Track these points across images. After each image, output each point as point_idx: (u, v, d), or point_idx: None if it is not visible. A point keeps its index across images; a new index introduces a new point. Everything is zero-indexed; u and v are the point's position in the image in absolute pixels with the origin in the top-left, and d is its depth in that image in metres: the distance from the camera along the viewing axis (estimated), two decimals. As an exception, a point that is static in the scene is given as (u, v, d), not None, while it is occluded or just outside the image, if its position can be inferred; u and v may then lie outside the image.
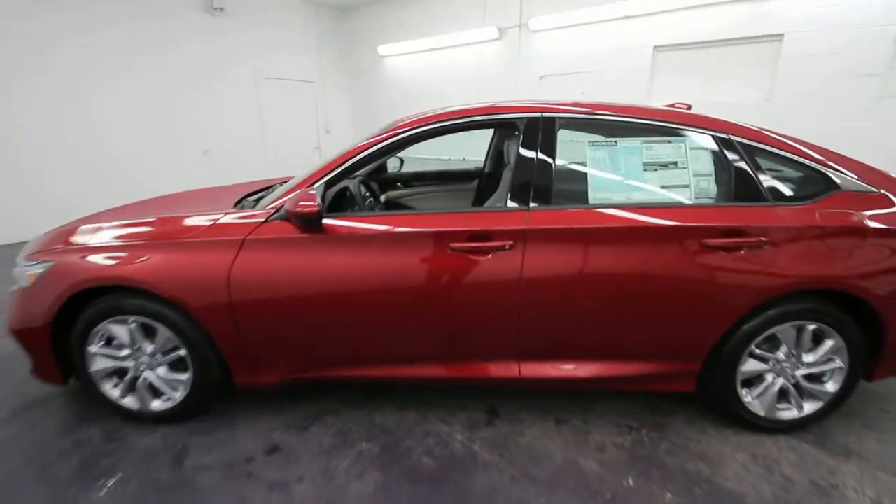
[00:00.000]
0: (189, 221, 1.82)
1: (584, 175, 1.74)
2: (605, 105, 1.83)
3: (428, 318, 1.77)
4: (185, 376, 1.88)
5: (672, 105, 2.18)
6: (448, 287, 1.71)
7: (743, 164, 1.73)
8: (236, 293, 1.70)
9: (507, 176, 2.11)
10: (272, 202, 1.78)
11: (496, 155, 3.25)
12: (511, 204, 1.72)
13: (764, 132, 1.81)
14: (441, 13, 6.53)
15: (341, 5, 7.50)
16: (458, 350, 1.84)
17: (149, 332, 1.84)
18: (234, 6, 6.28)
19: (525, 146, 1.75)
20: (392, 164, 3.42)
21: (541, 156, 1.73)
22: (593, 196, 1.72)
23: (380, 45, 7.28)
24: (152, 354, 1.86)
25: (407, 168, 3.48)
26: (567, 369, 1.82)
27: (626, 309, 1.72)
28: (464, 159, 6.33)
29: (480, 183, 3.29)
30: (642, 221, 1.65)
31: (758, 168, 1.74)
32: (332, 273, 1.71)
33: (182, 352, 1.83)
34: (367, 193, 2.47)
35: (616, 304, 1.72)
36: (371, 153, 1.80)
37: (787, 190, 1.78)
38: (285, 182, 2.06)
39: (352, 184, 2.17)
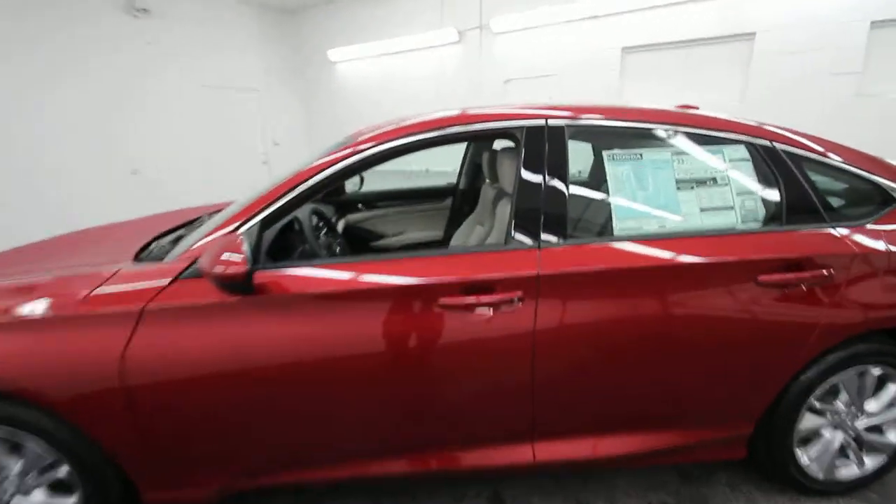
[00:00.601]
0: (62, 286, 1.28)
1: (606, 198, 1.35)
2: (621, 109, 1.45)
3: (412, 401, 1.33)
4: (71, 500, 1.33)
5: (685, 107, 1.85)
6: (437, 358, 1.27)
7: (793, 178, 1.40)
8: (135, 386, 1.19)
9: (502, 205, 1.70)
10: (185, 252, 1.27)
11: (472, 168, 2.84)
12: (516, 241, 1.30)
13: (810, 138, 1.49)
14: (395, 16, 6.10)
15: (285, 7, 6.92)
16: (453, 437, 1.39)
17: (14, 446, 1.29)
18: (161, 7, 5.58)
19: (529, 164, 1.34)
20: (351, 182, 2.94)
21: (550, 176, 1.33)
22: (619, 226, 1.33)
23: (329, 49, 6.75)
24: (22, 475, 1.30)
25: (368, 186, 3.01)
26: (595, 446, 1.42)
27: (669, 368, 1.35)
28: (427, 170, 5.92)
29: (455, 202, 2.88)
30: (685, 259, 1.28)
31: (810, 182, 1.41)
32: (275, 348, 1.23)
33: (64, 469, 1.29)
34: (321, 223, 1.98)
35: (656, 363, 1.33)
36: (323, 179, 1.33)
37: (840, 206, 1.47)
38: (219, 212, 1.56)
39: (301, 213, 1.68)
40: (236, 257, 1.06)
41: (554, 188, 1.32)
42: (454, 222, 2.81)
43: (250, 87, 6.81)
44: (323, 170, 1.33)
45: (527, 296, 1.24)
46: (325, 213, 1.87)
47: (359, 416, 1.32)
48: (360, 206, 2.84)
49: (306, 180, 1.32)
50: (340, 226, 2.70)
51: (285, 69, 7.25)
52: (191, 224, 1.80)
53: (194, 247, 1.26)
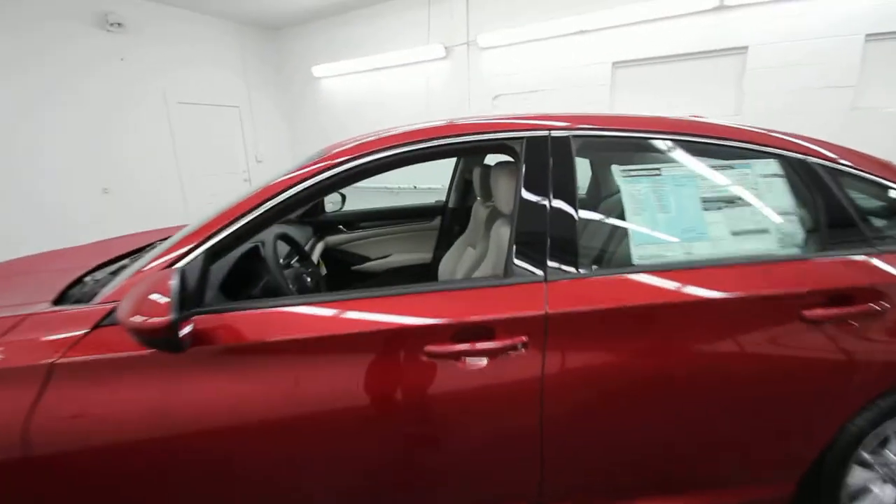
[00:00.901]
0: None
1: (620, 221, 1.15)
2: (634, 118, 1.26)
3: (390, 470, 1.09)
4: None
5: (694, 117, 1.68)
6: (423, 418, 1.05)
7: (832, 196, 1.22)
8: (42, 457, 0.93)
9: (498, 227, 1.49)
10: (110, 293, 1.03)
11: (462, 185, 2.65)
12: (518, 272, 1.08)
13: (844, 149, 1.32)
14: (381, 32, 5.99)
15: (268, 23, 6.77)
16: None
17: None
18: (136, 22, 5.38)
19: (530, 181, 1.13)
20: (331, 200, 2.72)
21: (556, 195, 1.12)
22: (638, 253, 1.13)
23: (314, 65, 6.60)
24: None
25: (350, 205, 2.79)
26: (613, 516, 1.19)
27: (700, 421, 1.13)
28: (415, 187, 5.74)
29: (444, 221, 2.67)
30: (717, 294, 1.08)
31: (850, 201, 1.23)
32: (217, 409, 0.98)
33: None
34: (293, 252, 1.75)
35: (685, 416, 1.12)
36: (288, 199, 1.11)
37: (883, 227, 1.29)
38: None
39: (267, 238, 1.45)
40: (158, 307, 0.83)
41: (561, 210, 1.11)
42: (443, 244, 2.60)
43: (231, 103, 6.60)
44: (287, 188, 1.11)
45: (533, 340, 1.02)
46: (295, 237, 1.63)
47: (322, 490, 1.08)
48: (340, 226, 2.62)
49: (267, 201, 1.10)
50: (319, 248, 2.47)
51: (268, 85, 7.07)
52: (139, 253, 1.56)
53: (118, 287, 1.02)
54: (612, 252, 1.17)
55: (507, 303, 1.04)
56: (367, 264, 2.63)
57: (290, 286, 1.37)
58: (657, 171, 1.18)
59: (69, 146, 4.94)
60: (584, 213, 1.16)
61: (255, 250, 1.40)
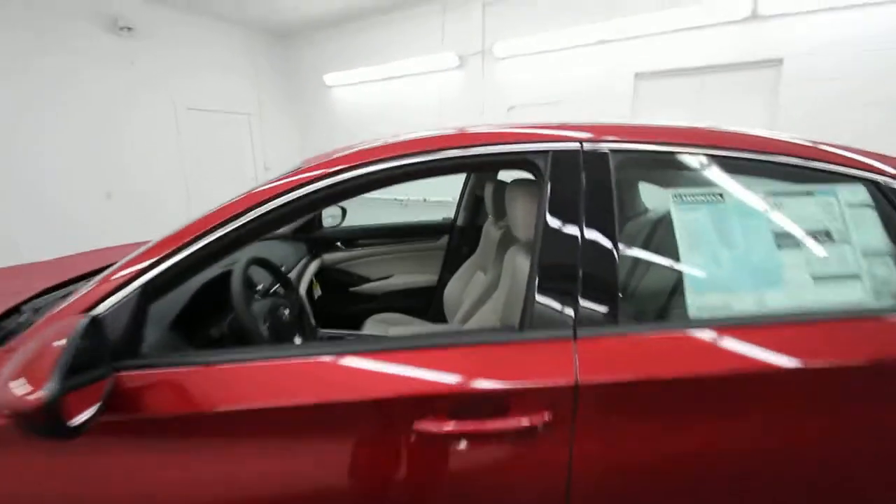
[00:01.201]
0: None
1: (674, 262, 0.90)
2: (685, 130, 1.02)
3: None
4: None
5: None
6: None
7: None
8: None
9: (513, 255, 1.26)
10: (15, 342, 0.81)
11: (472, 202, 2.42)
12: (540, 323, 0.84)
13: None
14: (395, 40, 5.84)
15: (279, 30, 6.68)
16: None
17: None
18: (147, 26, 5.30)
19: (557, 206, 0.89)
20: (330, 214, 2.50)
21: (589, 224, 0.88)
22: (696, 303, 0.87)
23: (325, 73, 6.48)
24: None
25: (353, 216, 2.56)
26: None
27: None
28: (424, 200, 5.53)
29: (451, 241, 2.44)
30: (804, 363, 0.82)
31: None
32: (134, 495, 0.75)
33: None
34: (271, 279, 1.51)
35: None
36: (250, 223, 0.88)
37: None
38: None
39: (237, 264, 1.21)
40: (38, 375, 0.60)
41: (596, 243, 0.87)
42: (450, 265, 2.37)
43: (241, 110, 6.50)
44: (255, 206, 0.89)
45: (557, 419, 0.77)
46: (272, 264, 1.40)
47: None
48: (338, 243, 2.39)
49: (225, 223, 0.87)
50: (314, 267, 2.24)
51: (279, 93, 6.97)
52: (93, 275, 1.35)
53: (22, 335, 0.80)
54: (661, 300, 0.92)
55: (525, 366, 0.79)
56: (367, 286, 2.40)
57: (262, 323, 1.14)
58: (719, 197, 0.94)
59: (73, 149, 4.85)
60: (626, 249, 0.91)
61: (224, 280, 1.18)
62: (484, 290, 1.82)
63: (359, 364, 0.80)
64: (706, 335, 0.83)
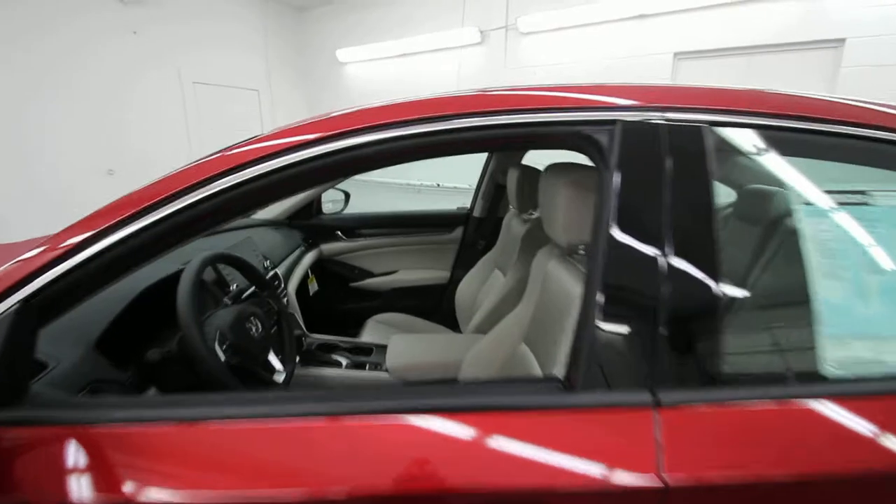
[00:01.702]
0: None
1: (802, 296, 0.61)
2: (809, 100, 0.72)
3: None
4: None
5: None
6: None
7: None
8: None
9: (546, 256, 0.98)
10: None
11: (492, 190, 2.13)
12: (596, 380, 0.56)
13: None
14: (412, 15, 5.50)
15: (292, 2, 6.37)
16: None
17: None
18: (153, -6, 5.05)
19: (627, 204, 0.60)
20: (332, 199, 2.24)
21: (678, 236, 0.59)
22: (834, 354, 0.59)
23: (338, 49, 6.17)
24: None
25: (357, 201, 2.30)
26: None
27: None
28: (438, 185, 5.24)
29: (466, 234, 2.16)
30: None
31: None
32: None
33: None
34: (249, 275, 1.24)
35: None
36: (185, 210, 0.62)
37: None
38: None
39: (190, 264, 0.94)
40: None
41: (688, 263, 0.58)
42: (464, 261, 2.10)
43: (250, 86, 6.24)
44: (185, 192, 0.62)
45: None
46: (242, 261, 1.14)
47: None
48: (339, 232, 2.13)
49: (144, 212, 0.61)
50: (310, 258, 1.99)
51: (290, 68, 6.68)
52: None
53: None
54: (778, 345, 0.63)
55: (576, 447, 0.52)
56: (369, 281, 2.14)
57: (221, 344, 0.88)
58: (863, 199, 0.64)
59: (73, 124, 4.64)
60: (732, 271, 0.63)
61: (169, 284, 0.92)
62: (503, 295, 1.55)
63: (329, 433, 0.54)
64: (858, 403, 0.54)
